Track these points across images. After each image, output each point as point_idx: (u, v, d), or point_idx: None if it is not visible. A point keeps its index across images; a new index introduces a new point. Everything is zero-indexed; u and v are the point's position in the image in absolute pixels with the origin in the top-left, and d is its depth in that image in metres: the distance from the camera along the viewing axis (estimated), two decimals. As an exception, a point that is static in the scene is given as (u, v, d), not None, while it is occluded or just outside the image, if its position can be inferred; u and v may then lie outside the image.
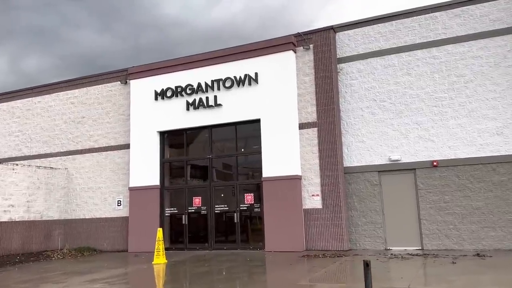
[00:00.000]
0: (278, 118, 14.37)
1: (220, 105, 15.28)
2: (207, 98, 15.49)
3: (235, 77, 15.15)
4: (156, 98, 16.33)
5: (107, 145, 17.54)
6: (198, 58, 15.95)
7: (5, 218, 15.65)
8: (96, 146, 17.74)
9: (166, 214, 16.06)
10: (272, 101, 14.51)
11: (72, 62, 63.46)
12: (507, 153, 12.36)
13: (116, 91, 17.73)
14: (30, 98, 19.51)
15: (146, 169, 16.18)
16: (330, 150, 13.92)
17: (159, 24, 68.18)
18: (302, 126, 14.38)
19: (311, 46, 14.59)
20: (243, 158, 15.56)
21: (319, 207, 13.83)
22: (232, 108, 15.10)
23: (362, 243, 13.67)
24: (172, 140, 16.80)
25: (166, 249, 13.55)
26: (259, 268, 11.30)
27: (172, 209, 16.09)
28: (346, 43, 14.65)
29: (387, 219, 13.55)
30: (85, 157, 17.87)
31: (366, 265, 4.11)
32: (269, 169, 14.28)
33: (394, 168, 13.58)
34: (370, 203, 13.74)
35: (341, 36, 14.76)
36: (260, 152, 14.61)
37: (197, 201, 15.63)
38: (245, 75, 14.98)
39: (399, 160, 13.53)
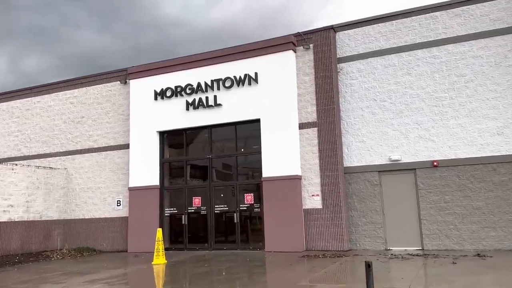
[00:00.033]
0: (278, 118, 14.34)
1: (220, 105, 15.25)
2: (206, 98, 15.45)
3: (235, 77, 15.11)
4: (155, 98, 16.30)
5: (106, 145, 17.50)
6: (197, 58, 15.91)
7: (4, 218, 15.61)
8: (96, 146, 17.70)
9: (166, 214, 16.03)
10: (272, 101, 14.48)
11: (72, 62, 63.44)
12: (507, 153, 12.33)
13: (115, 91, 17.70)
14: (30, 98, 19.48)
15: (145, 169, 16.15)
16: (330, 150, 13.89)
17: (159, 24, 68.18)
18: (302, 126, 14.34)
19: (311, 45, 14.56)
20: (243, 158, 15.52)
21: (319, 207, 13.80)
22: (232, 108, 15.06)
23: (362, 243, 13.64)
24: (172, 140, 16.77)
25: (165, 249, 13.52)
26: (259, 268, 11.27)
27: (172, 209, 16.06)
28: (346, 42, 14.62)
29: (387, 219, 13.52)
30: (84, 157, 17.83)
31: (368, 266, 4.08)
32: (269, 169, 14.25)
33: (394, 168, 13.55)
34: (370, 203, 13.71)
35: (341, 36, 14.73)
36: (260, 152, 14.57)
37: (196, 201, 15.59)
38: (245, 75, 14.94)
39: (399, 160, 13.50)
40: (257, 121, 14.70)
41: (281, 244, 13.62)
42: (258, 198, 14.62)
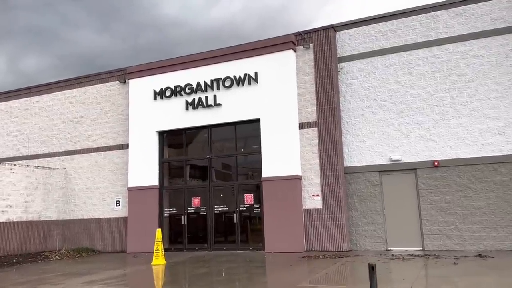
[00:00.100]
0: (278, 118, 14.27)
1: (219, 104, 15.18)
2: (206, 97, 15.38)
3: (234, 76, 15.04)
4: (155, 98, 16.23)
5: (105, 145, 17.43)
6: (197, 57, 15.84)
7: (3, 218, 15.53)
8: (95, 146, 17.62)
9: (165, 215, 15.96)
10: (272, 100, 14.41)
11: (71, 62, 63.33)
12: (509, 153, 12.27)
13: (114, 91, 17.62)
14: (28, 98, 19.40)
15: (145, 169, 16.07)
16: (330, 150, 13.82)
17: (158, 24, 68.08)
18: (302, 125, 14.28)
19: (311, 45, 14.49)
20: (243, 158, 15.45)
21: (319, 208, 13.74)
22: (232, 107, 14.99)
23: (362, 243, 13.57)
24: (171, 140, 16.69)
25: (165, 249, 13.45)
26: (259, 269, 11.20)
27: (171, 209, 15.98)
28: (346, 42, 14.55)
29: (387, 220, 13.46)
30: (83, 157, 17.76)
31: (372, 268, 4.00)
32: (269, 169, 14.18)
33: (395, 168, 13.49)
34: (370, 203, 13.65)
35: (341, 35, 14.66)
36: (259, 152, 14.50)
37: (196, 201, 15.52)
38: (245, 75, 14.87)
39: (400, 160, 13.44)
40: (257, 121, 14.63)
41: (281, 245, 13.56)
42: (258, 198, 14.55)
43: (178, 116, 15.80)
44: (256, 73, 14.73)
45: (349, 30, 14.56)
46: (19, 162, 18.42)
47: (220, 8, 68.10)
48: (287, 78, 14.42)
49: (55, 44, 67.97)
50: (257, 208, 14.53)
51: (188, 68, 15.86)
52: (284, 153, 14.07)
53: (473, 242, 12.30)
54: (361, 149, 14.00)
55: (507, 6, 12.68)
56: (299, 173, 14.06)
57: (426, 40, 13.48)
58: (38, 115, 19.05)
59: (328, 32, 14.43)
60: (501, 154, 12.33)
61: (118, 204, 16.74)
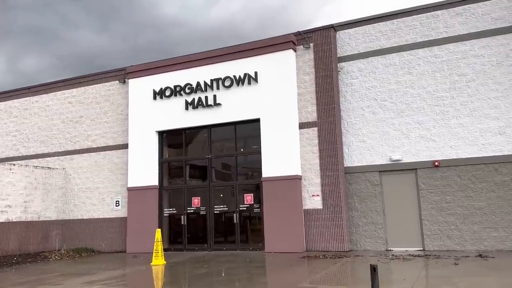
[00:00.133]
0: (278, 118, 14.24)
1: (219, 104, 15.14)
2: (206, 97, 15.34)
3: (234, 76, 15.01)
4: (154, 98, 16.19)
5: (105, 145, 17.39)
6: (197, 57, 15.81)
7: (2, 218, 15.49)
8: (94, 146, 17.59)
9: (165, 215, 15.92)
10: (272, 100, 14.37)
11: (70, 62, 63.26)
12: (509, 153, 12.24)
13: (114, 91, 17.58)
14: (28, 98, 19.36)
15: (144, 169, 16.04)
16: (330, 150, 13.79)
17: (158, 24, 68.03)
18: (302, 125, 14.24)
19: (311, 45, 14.46)
20: (243, 158, 15.42)
21: (319, 208, 13.70)
22: (232, 107, 14.95)
23: (363, 243, 13.54)
24: (171, 140, 16.66)
25: (164, 250, 13.41)
26: (259, 269, 11.17)
27: (171, 209, 15.95)
28: (346, 42, 14.52)
29: (388, 220, 13.42)
30: (83, 157, 17.72)
31: (373, 269, 3.96)
32: (268, 169, 14.15)
33: (395, 168, 13.46)
34: (371, 203, 13.62)
35: (341, 35, 14.63)
36: (259, 152, 14.47)
37: (196, 201, 15.48)
38: (245, 74, 14.84)
39: (400, 160, 13.40)
40: (257, 120, 14.60)
41: (281, 245, 13.52)
42: (258, 198, 14.52)
43: (177, 116, 15.76)
44: (256, 73, 14.70)
45: (349, 30, 14.53)
46: (19, 162, 18.38)
47: (220, 8, 68.09)
48: (287, 78, 14.38)
49: (54, 44, 67.94)
50: (257, 208, 14.49)
51: (188, 68, 15.82)
52: (284, 153, 14.04)
53: (474, 242, 12.27)
54: (361, 149, 13.96)
55: (507, 6, 12.65)
56: (299, 173, 14.03)
57: (426, 39, 13.45)
58: (38, 115, 19.01)
59: (328, 32, 14.39)
60: (501, 154, 12.31)
61: (117, 204, 16.70)
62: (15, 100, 19.60)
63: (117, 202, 16.72)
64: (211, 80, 15.36)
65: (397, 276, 9.05)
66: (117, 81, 17.47)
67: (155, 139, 16.16)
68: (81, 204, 17.46)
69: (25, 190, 16.38)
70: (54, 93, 18.79)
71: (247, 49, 14.99)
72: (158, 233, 12.60)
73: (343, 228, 13.36)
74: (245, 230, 14.81)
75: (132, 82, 16.77)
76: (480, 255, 11.23)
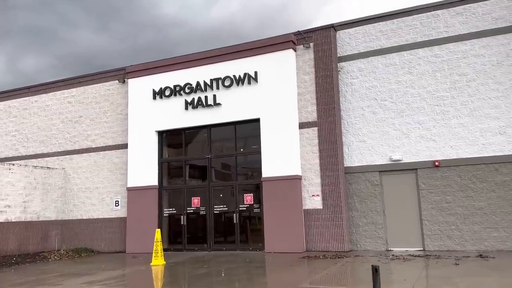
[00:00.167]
0: (278, 118, 14.21)
1: (219, 104, 15.11)
2: (206, 97, 15.31)
3: (234, 76, 14.98)
4: (154, 97, 16.16)
5: (104, 145, 17.35)
6: (197, 57, 15.77)
7: (1, 218, 15.45)
8: (94, 146, 17.55)
9: (165, 215, 15.88)
10: (272, 100, 14.34)
11: (70, 62, 63.20)
12: (510, 153, 12.22)
13: (114, 90, 17.55)
14: (27, 98, 19.32)
15: (144, 169, 16.00)
16: (330, 150, 13.76)
17: (158, 24, 67.98)
18: (302, 125, 14.21)
19: (312, 44, 14.43)
20: (243, 158, 15.39)
21: (319, 208, 13.67)
22: (232, 107, 14.92)
23: (363, 244, 13.51)
24: (171, 140, 16.62)
25: (164, 250, 13.37)
26: (259, 269, 11.14)
27: (171, 209, 15.91)
28: (346, 41, 14.49)
29: (388, 220, 13.39)
30: (82, 157, 17.68)
31: (375, 270, 3.93)
32: (268, 169, 14.12)
33: (395, 168, 13.43)
34: (371, 203, 13.59)
35: (341, 35, 14.60)
36: (259, 152, 14.44)
37: (195, 201, 15.45)
38: (245, 74, 14.81)
39: (400, 160, 13.38)
40: (257, 120, 14.57)
41: (281, 245, 13.49)
42: (258, 198, 14.48)
43: (177, 115, 15.73)
44: (256, 73, 14.67)
45: (349, 30, 14.50)
46: (18, 162, 18.34)
47: (220, 7, 68.06)
48: (287, 78, 14.35)
49: (54, 44, 67.88)
50: (257, 208, 14.46)
51: (188, 68, 15.79)
52: (284, 153, 14.01)
53: (474, 243, 12.25)
54: (362, 149, 13.93)
55: (508, 5, 12.62)
56: (299, 173, 14.00)
57: (426, 39, 13.43)
58: (37, 115, 18.97)
59: (328, 32, 14.36)
60: (502, 154, 12.28)
61: (117, 204, 16.67)
62: (15, 100, 19.57)
63: (117, 202, 16.69)
64: (211, 80, 15.33)
65: (397, 277, 9.03)
66: (117, 81, 17.44)
67: (154, 139, 16.12)
68: (80, 204, 17.42)
69: (24, 190, 16.34)
70: (53, 93, 18.75)
71: (247, 48, 14.96)
72: (157, 233, 12.56)
73: (343, 228, 13.33)
74: (245, 230, 14.78)
75: (132, 82, 16.74)
76: (480, 255, 11.21)
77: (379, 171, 13.62)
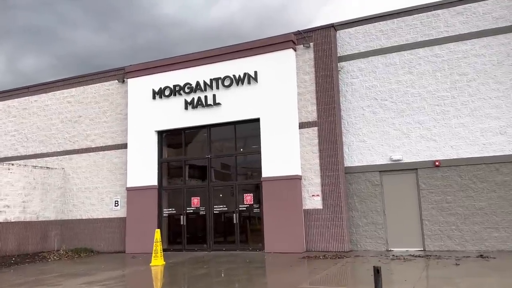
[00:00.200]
0: (278, 117, 14.17)
1: (219, 104, 15.08)
2: (205, 97, 15.28)
3: (234, 75, 14.94)
4: (154, 97, 16.12)
5: (104, 145, 17.32)
6: (196, 56, 15.74)
7: (0, 218, 15.42)
8: (93, 145, 17.51)
9: (164, 215, 15.85)
10: (272, 100, 14.31)
11: (69, 62, 63.14)
12: (510, 153, 12.19)
13: (113, 90, 17.51)
14: (27, 97, 19.28)
15: (144, 169, 15.97)
16: (330, 150, 13.73)
17: (158, 24, 67.93)
18: (302, 125, 14.18)
19: (312, 44, 14.40)
20: (242, 158, 15.35)
21: (319, 208, 13.64)
22: (231, 107, 14.89)
23: (363, 244, 13.48)
24: (170, 140, 16.59)
25: (164, 250, 13.33)
26: (259, 270, 11.11)
27: (170, 209, 15.88)
28: (347, 41, 14.46)
29: (388, 220, 13.36)
30: (82, 157, 17.64)
31: (377, 271, 3.90)
32: (268, 169, 14.08)
33: (395, 168, 13.40)
34: (371, 203, 13.56)
35: (341, 34, 14.57)
36: (259, 152, 14.41)
37: (195, 201, 15.42)
38: (245, 74, 14.77)
39: (400, 160, 13.35)
40: (257, 120, 14.54)
41: (281, 245, 13.46)
42: (258, 198, 14.45)
43: (177, 115, 15.70)
44: (255, 73, 14.64)
45: (349, 29, 14.47)
46: (17, 161, 18.30)
47: (220, 7, 68.03)
48: (287, 78, 14.32)
49: (53, 44, 67.83)
50: (257, 208, 14.43)
51: (187, 68, 15.75)
52: (284, 153, 13.98)
53: (475, 243, 12.22)
54: (362, 149, 13.90)
55: (508, 5, 12.59)
56: (299, 173, 13.97)
57: (427, 39, 13.40)
58: (37, 115, 18.93)
59: (328, 31, 14.33)
60: (502, 154, 12.25)
61: (116, 204, 16.63)
62: (14, 100, 19.53)
63: (116, 202, 16.65)
64: (211, 80, 15.29)
65: (398, 277, 8.99)
66: (116, 81, 17.40)
67: (154, 139, 16.09)
68: (80, 204, 17.39)
69: (23, 190, 16.30)
70: (53, 92, 18.71)
71: (246, 48, 14.92)
72: (157, 234, 12.53)
73: (343, 228, 13.30)
74: (245, 230, 14.75)
75: (131, 82, 16.71)
76: (481, 255, 11.18)
77: (379, 171, 13.59)
